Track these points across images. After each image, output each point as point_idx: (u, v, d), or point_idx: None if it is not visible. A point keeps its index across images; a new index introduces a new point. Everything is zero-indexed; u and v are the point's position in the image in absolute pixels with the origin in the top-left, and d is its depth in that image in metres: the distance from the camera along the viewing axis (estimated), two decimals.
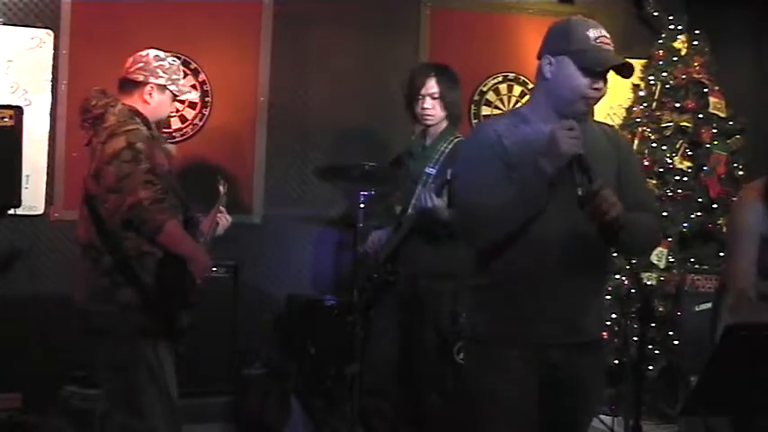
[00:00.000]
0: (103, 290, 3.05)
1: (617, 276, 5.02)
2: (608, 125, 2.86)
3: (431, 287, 3.78)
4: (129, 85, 3.23)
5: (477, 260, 2.62)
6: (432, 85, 3.82)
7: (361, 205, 4.01)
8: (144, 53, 3.28)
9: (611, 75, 2.58)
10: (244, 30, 5.00)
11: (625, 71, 2.54)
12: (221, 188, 3.59)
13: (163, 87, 3.24)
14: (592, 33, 2.54)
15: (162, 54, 3.29)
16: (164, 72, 3.24)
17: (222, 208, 3.47)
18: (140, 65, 3.23)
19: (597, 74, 2.50)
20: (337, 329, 4.53)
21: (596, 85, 2.50)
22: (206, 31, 4.87)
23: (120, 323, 3.04)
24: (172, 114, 3.40)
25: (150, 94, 3.22)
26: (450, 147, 3.80)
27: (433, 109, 3.83)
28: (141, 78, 3.21)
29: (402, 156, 4.15)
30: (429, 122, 3.87)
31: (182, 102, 3.30)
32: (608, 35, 2.57)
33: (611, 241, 2.47)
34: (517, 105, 5.40)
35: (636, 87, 5.42)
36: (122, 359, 3.07)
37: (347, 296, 4.43)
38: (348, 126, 5.22)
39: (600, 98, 2.54)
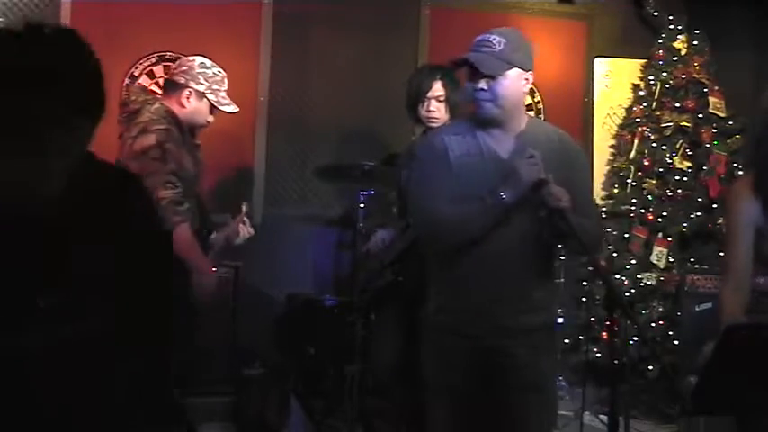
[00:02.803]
0: None
1: (616, 276, 5.03)
2: (559, 132, 2.88)
3: None
4: (170, 86, 3.26)
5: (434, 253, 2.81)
6: (438, 88, 3.80)
7: (361, 205, 4.01)
8: (191, 58, 3.30)
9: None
10: (244, 30, 5.00)
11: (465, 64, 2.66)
12: (243, 207, 3.57)
13: (201, 95, 3.25)
14: (478, 38, 2.66)
15: (209, 62, 3.30)
16: (205, 80, 3.25)
17: (246, 219, 3.49)
18: (184, 68, 3.26)
19: (476, 74, 2.62)
20: (337, 329, 4.53)
21: (477, 85, 2.62)
22: (206, 31, 4.87)
23: None
24: (208, 123, 3.39)
25: (188, 98, 3.23)
26: None
27: (438, 112, 3.81)
28: (182, 81, 3.23)
29: (401, 155, 4.15)
30: (434, 125, 3.85)
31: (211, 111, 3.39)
32: (493, 38, 2.64)
33: (564, 235, 2.58)
34: None
35: (636, 87, 5.42)
36: None
37: (347, 296, 4.43)
38: (348, 126, 5.22)
39: (487, 100, 2.63)
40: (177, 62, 3.32)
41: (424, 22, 5.32)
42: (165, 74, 4.73)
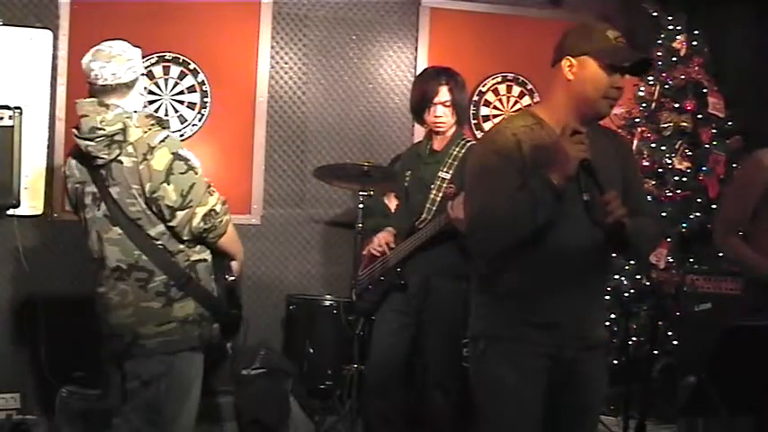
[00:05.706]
0: (158, 311, 2.87)
1: (616, 276, 5.03)
2: (608, 128, 2.88)
3: (444, 287, 3.77)
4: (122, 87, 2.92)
5: (490, 264, 2.63)
6: (444, 94, 3.78)
7: (361, 205, 4.01)
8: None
9: None
10: (243, 29, 5.00)
11: (644, 67, 2.60)
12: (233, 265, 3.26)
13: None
14: (611, 33, 2.56)
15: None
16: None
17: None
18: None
19: (619, 72, 2.53)
20: (337, 329, 4.53)
21: (618, 84, 2.54)
22: (205, 31, 4.87)
23: (176, 340, 2.90)
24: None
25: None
26: (462, 150, 3.79)
27: (445, 116, 3.80)
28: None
29: (406, 158, 4.14)
30: (441, 129, 3.84)
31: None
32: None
33: (620, 246, 2.49)
34: (517, 106, 5.43)
35: (635, 87, 5.42)
36: (158, 372, 2.90)
37: (347, 296, 4.42)
38: (348, 126, 5.22)
39: (619, 98, 2.58)
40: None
41: (424, 22, 5.32)
42: (166, 74, 4.74)
